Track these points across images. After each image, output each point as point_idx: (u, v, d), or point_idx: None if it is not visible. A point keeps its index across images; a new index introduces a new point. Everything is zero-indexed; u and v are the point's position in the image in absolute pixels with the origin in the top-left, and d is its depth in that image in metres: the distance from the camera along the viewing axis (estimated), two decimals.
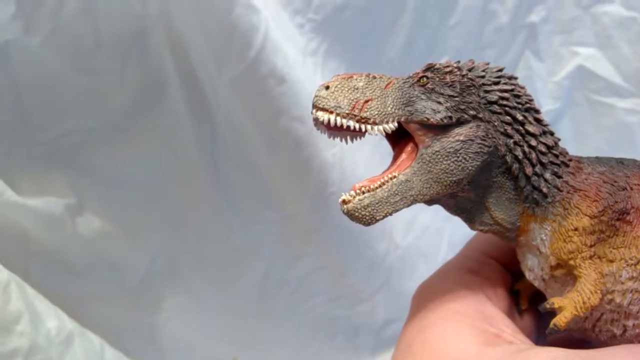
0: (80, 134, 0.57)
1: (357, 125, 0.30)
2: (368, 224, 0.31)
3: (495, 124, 0.32)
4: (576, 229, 0.31)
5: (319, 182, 0.63)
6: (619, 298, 0.31)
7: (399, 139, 0.33)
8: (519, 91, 0.33)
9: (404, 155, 0.32)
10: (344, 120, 0.30)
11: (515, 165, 0.32)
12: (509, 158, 0.32)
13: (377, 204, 0.31)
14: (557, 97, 0.74)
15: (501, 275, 0.37)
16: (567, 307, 0.31)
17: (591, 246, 0.31)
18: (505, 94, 0.32)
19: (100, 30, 0.53)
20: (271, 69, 0.57)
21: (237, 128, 0.61)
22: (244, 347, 0.67)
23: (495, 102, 0.32)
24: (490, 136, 0.31)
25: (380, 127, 0.31)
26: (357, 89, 0.31)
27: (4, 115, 0.53)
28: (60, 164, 0.57)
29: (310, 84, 0.61)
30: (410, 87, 0.31)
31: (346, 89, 0.31)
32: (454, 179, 0.31)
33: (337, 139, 0.33)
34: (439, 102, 0.31)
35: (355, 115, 0.30)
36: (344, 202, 0.31)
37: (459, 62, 0.33)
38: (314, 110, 0.31)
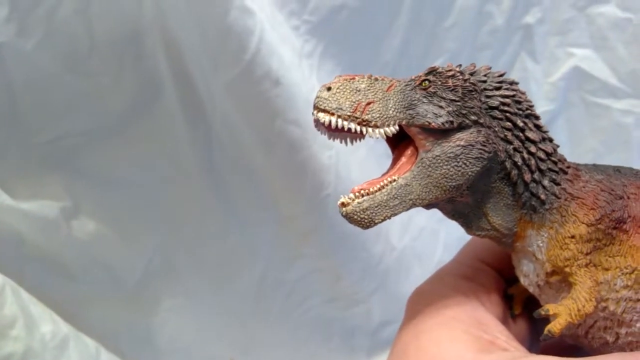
0: (75, 137, 0.56)
1: (358, 128, 0.30)
2: (367, 227, 0.31)
3: (496, 129, 0.32)
4: (573, 237, 0.31)
5: (315, 184, 0.63)
6: (613, 306, 0.31)
7: (398, 141, 0.33)
8: (520, 97, 0.32)
9: (403, 159, 0.32)
10: (346, 123, 0.30)
11: (514, 172, 0.32)
12: (508, 164, 0.32)
13: (376, 207, 0.30)
14: (552, 98, 0.74)
15: (495, 282, 0.37)
16: (562, 313, 0.31)
17: (587, 254, 0.31)
18: (507, 100, 0.32)
19: (95, 32, 0.53)
20: (266, 71, 0.57)
21: (232, 130, 0.60)
22: (241, 348, 0.67)
23: (496, 108, 0.32)
24: (490, 142, 0.31)
25: (382, 130, 0.30)
26: (359, 91, 0.30)
27: None
28: (55, 167, 0.57)
29: (306, 86, 0.61)
30: (412, 90, 0.31)
31: (348, 91, 0.30)
32: (454, 184, 0.31)
33: (337, 140, 0.32)
34: (441, 106, 0.31)
35: (357, 118, 0.30)
36: (343, 204, 0.31)
37: (460, 65, 0.33)
38: (315, 112, 0.30)
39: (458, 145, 0.31)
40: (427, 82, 0.31)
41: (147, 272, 0.62)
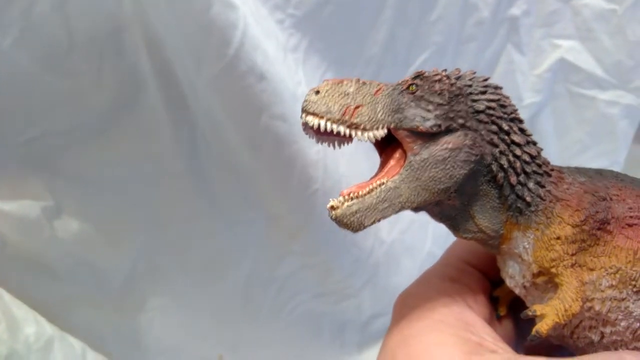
0: (56, 136, 0.55)
1: (347, 131, 0.30)
2: (356, 230, 0.31)
3: (482, 132, 0.32)
4: (559, 238, 0.31)
5: (303, 179, 0.63)
6: (598, 306, 0.31)
7: (386, 145, 0.33)
8: (505, 101, 0.33)
9: (392, 162, 0.32)
10: (335, 126, 0.30)
11: (501, 174, 0.32)
12: (494, 167, 0.32)
13: (365, 210, 0.31)
14: (538, 90, 0.74)
15: (481, 283, 0.37)
16: (549, 314, 0.31)
17: (573, 255, 0.31)
18: (492, 104, 0.32)
19: (74, 29, 0.51)
20: (251, 66, 0.56)
21: (217, 127, 0.60)
22: (230, 346, 0.67)
23: (482, 112, 0.32)
24: (477, 145, 0.32)
25: (370, 134, 0.31)
26: (347, 94, 0.31)
27: None
28: (36, 167, 0.56)
29: (291, 81, 0.60)
30: (399, 94, 0.32)
31: (337, 94, 0.31)
32: (442, 186, 0.31)
33: (325, 144, 0.32)
34: (428, 110, 0.31)
35: (346, 121, 0.30)
36: (333, 208, 0.31)
37: (445, 70, 0.33)
38: (304, 115, 0.31)
39: (446, 149, 0.31)
40: (414, 86, 0.32)
41: (133, 272, 0.62)
